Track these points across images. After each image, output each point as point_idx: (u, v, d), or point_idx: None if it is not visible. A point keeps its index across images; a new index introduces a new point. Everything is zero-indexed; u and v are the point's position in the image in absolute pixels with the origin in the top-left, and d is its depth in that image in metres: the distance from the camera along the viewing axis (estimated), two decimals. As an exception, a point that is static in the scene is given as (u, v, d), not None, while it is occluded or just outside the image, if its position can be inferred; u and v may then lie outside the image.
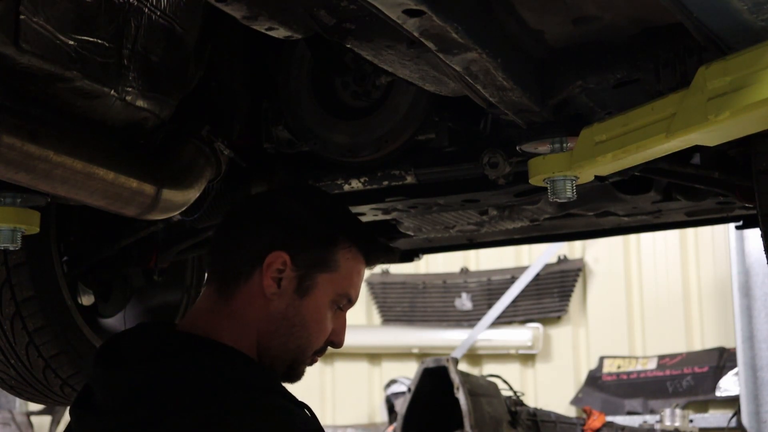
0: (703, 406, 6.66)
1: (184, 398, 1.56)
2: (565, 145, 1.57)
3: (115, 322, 2.53)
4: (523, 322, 7.40)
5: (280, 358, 1.73)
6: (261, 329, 1.72)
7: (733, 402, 6.30)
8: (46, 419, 7.64)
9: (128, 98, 1.68)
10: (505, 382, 4.71)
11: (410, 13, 1.22)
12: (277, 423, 1.57)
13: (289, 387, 1.71)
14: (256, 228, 1.74)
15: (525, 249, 7.45)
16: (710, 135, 1.34)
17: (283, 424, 1.58)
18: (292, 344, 1.74)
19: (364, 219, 2.39)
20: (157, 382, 1.60)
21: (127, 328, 1.77)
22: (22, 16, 1.40)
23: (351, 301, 1.79)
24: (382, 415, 7.20)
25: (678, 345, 6.93)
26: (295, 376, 1.75)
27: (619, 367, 7.00)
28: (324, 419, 7.77)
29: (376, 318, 7.75)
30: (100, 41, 1.58)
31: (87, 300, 2.45)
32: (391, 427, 6.11)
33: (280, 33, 1.57)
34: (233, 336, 1.69)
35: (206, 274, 1.82)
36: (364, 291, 7.80)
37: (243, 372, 1.65)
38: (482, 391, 4.38)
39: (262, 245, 1.70)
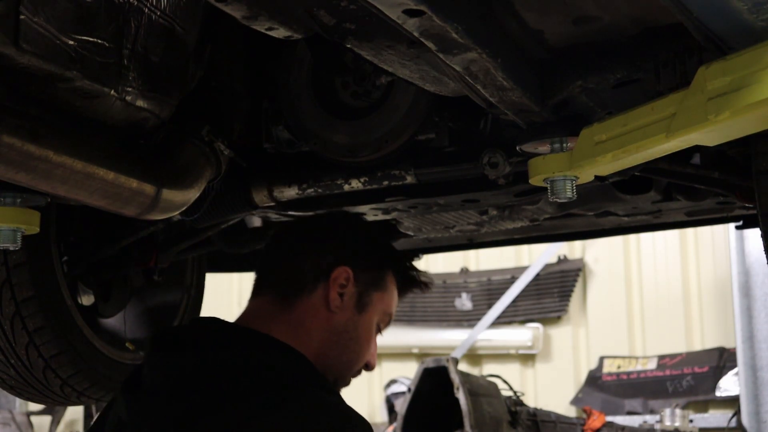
0: (703, 406, 6.66)
1: (242, 387, 1.63)
2: (565, 145, 1.57)
3: (115, 322, 2.54)
4: (523, 322, 7.40)
5: (331, 369, 1.83)
6: (322, 339, 1.82)
7: (733, 402, 6.30)
8: (46, 419, 7.64)
9: (128, 98, 1.68)
10: (505, 382, 4.70)
11: (410, 13, 1.22)
12: (335, 418, 1.65)
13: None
14: (320, 245, 1.89)
15: (525, 249, 7.45)
16: (710, 135, 1.34)
17: (341, 420, 1.66)
18: (345, 357, 1.87)
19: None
20: (215, 368, 1.67)
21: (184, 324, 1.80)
22: (22, 16, 1.40)
23: (388, 322, 1.95)
24: (382, 415, 7.21)
25: (678, 345, 6.93)
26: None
27: (619, 367, 7.00)
28: (324, 419, 7.77)
29: (376, 318, 7.74)
30: (100, 41, 1.58)
31: (87, 300, 2.45)
32: (391, 427, 6.11)
33: (280, 33, 1.57)
34: (292, 341, 1.77)
35: (255, 287, 1.94)
36: (364, 291, 7.80)
37: (301, 368, 1.73)
38: (482, 391, 4.38)
39: (327, 261, 1.84)
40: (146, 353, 1.80)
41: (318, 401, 1.67)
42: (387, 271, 1.94)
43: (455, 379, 4.24)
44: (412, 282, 1.99)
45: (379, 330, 1.93)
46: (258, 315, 1.84)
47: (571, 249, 7.33)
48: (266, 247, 2.00)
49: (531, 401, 6.61)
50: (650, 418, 6.12)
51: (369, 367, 1.95)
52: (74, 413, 7.83)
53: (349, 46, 1.53)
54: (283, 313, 1.82)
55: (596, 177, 1.60)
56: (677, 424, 5.50)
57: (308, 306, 1.83)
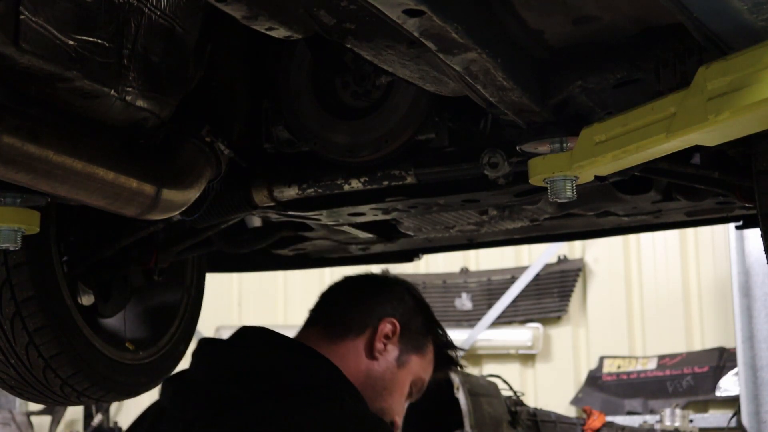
0: (703, 406, 6.66)
1: (280, 385, 1.74)
2: (565, 145, 1.57)
3: (115, 322, 2.53)
4: (523, 322, 7.40)
5: None
6: (358, 381, 1.94)
7: (733, 402, 6.30)
8: (46, 419, 7.64)
9: (128, 98, 1.68)
10: (505, 382, 4.70)
11: (410, 13, 1.22)
12: (369, 424, 1.79)
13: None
14: (375, 297, 2.08)
15: (525, 249, 7.45)
16: (710, 135, 1.34)
17: (374, 425, 1.80)
18: (377, 404, 1.97)
19: (364, 219, 2.39)
20: (258, 365, 1.82)
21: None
22: (22, 16, 1.40)
23: (420, 390, 2.08)
24: (382, 415, 7.21)
25: (678, 345, 6.93)
26: None
27: (619, 367, 7.00)
28: (324, 419, 7.77)
29: (376, 318, 7.74)
30: (100, 41, 1.58)
31: (87, 300, 2.45)
32: (391, 427, 6.10)
33: (280, 33, 1.57)
34: None
35: (310, 316, 2.11)
36: (364, 291, 7.80)
37: (339, 378, 1.87)
38: (482, 391, 4.37)
39: (378, 312, 2.03)
40: (194, 351, 1.93)
41: (355, 408, 1.80)
42: (429, 341, 2.09)
43: (455, 379, 4.24)
44: (449, 361, 2.17)
45: (410, 394, 2.05)
46: (305, 341, 2.00)
47: (571, 249, 7.33)
48: (331, 287, 2.18)
49: (531, 401, 6.61)
50: (650, 418, 6.12)
51: (394, 426, 2.04)
52: (74, 413, 7.83)
53: (349, 46, 1.53)
54: (328, 346, 1.96)
55: (596, 177, 1.60)
56: (677, 424, 5.50)
57: (352, 347, 1.98)
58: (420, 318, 2.11)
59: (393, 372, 1.99)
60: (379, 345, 1.99)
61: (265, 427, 1.68)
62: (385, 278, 2.25)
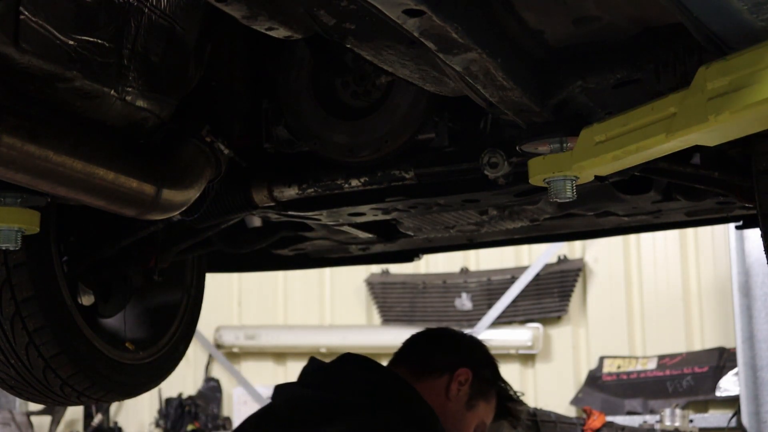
0: (703, 406, 6.66)
1: (383, 402, 2.10)
2: (565, 145, 1.57)
3: (115, 322, 2.53)
4: (523, 322, 7.40)
5: None
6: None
7: (733, 402, 6.30)
8: (46, 419, 7.65)
9: (128, 98, 1.68)
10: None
11: (410, 13, 1.22)
12: None
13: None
14: (454, 347, 2.48)
15: (525, 249, 7.44)
16: (710, 135, 1.34)
17: None
18: None
19: (364, 219, 2.39)
20: (354, 375, 2.17)
21: None
22: (22, 16, 1.40)
23: (482, 431, 2.43)
24: (382, 415, 7.20)
25: (678, 345, 6.93)
26: None
27: (619, 367, 7.00)
28: (324, 419, 7.77)
29: (376, 318, 7.74)
30: (100, 41, 1.58)
31: (87, 300, 2.45)
32: (391, 427, 6.10)
33: (280, 33, 1.57)
34: None
35: (394, 357, 2.49)
36: (363, 291, 7.81)
37: (428, 406, 2.22)
38: (482, 391, 4.37)
39: (455, 361, 2.39)
40: (304, 367, 2.31)
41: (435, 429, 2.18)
42: (494, 391, 2.46)
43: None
44: (508, 412, 2.51)
45: None
46: None
47: (571, 249, 7.33)
48: (408, 339, 2.55)
49: (531, 401, 6.61)
50: (650, 418, 6.12)
51: None
52: (74, 413, 7.83)
53: (349, 46, 1.53)
54: (413, 382, 2.26)
55: (596, 177, 1.60)
56: (677, 424, 5.51)
57: (431, 386, 2.31)
58: (489, 370, 2.47)
59: (462, 413, 2.35)
60: (454, 388, 2.34)
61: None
62: (461, 333, 2.65)
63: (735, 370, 6.24)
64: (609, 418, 5.24)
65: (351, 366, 2.28)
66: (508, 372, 6.30)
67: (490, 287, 7.49)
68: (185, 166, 1.90)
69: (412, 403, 2.20)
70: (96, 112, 1.66)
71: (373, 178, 2.13)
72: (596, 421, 4.97)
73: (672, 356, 6.87)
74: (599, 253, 7.26)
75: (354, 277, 7.71)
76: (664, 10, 1.29)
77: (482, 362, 2.47)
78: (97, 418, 7.59)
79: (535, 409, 4.79)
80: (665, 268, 7.08)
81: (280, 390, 2.31)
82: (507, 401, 2.53)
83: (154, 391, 6.56)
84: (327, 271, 7.81)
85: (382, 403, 2.12)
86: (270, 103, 2.19)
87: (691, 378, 6.65)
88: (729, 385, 6.40)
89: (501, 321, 7.38)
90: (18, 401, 7.47)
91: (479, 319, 7.37)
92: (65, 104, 1.60)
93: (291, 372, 7.89)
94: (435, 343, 2.53)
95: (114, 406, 7.84)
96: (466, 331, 8.00)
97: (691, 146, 1.41)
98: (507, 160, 1.96)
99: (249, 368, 8.03)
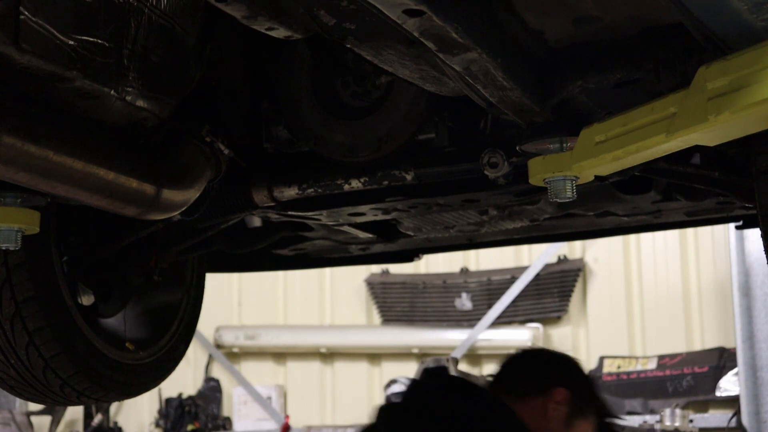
0: (703, 406, 6.66)
1: (467, 414, 2.07)
2: (565, 145, 1.57)
3: (115, 322, 2.53)
4: (523, 322, 7.40)
5: None
6: None
7: (733, 402, 6.29)
8: (46, 419, 7.65)
9: (128, 98, 1.68)
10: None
11: (410, 13, 1.22)
12: None
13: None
14: (549, 367, 2.53)
15: (525, 249, 7.44)
16: (710, 135, 1.34)
17: None
18: None
19: (364, 219, 2.39)
20: (457, 397, 2.09)
21: None
22: (22, 16, 1.40)
23: None
24: (382, 415, 7.19)
25: (678, 345, 6.93)
26: None
27: (619, 367, 7.00)
28: (324, 419, 7.78)
29: (376, 318, 7.74)
30: (100, 41, 1.58)
31: (87, 300, 2.45)
32: (391, 427, 6.09)
33: (280, 33, 1.57)
34: None
35: (494, 377, 2.53)
36: (363, 291, 7.81)
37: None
38: (482, 391, 4.37)
39: (551, 381, 2.42)
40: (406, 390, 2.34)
41: None
42: (593, 410, 2.49)
43: (455, 379, 4.24)
44: (607, 429, 2.53)
45: None
46: None
47: (571, 249, 7.33)
48: (506, 360, 2.58)
49: (531, 401, 6.60)
50: (650, 418, 6.13)
51: None
52: (74, 413, 7.83)
53: (349, 46, 1.53)
54: (510, 403, 2.22)
55: (596, 177, 1.60)
56: (677, 424, 5.51)
57: (528, 407, 2.33)
58: (586, 389, 2.51)
59: (561, 431, 2.38)
60: (551, 408, 2.37)
61: None
62: (556, 352, 2.71)
63: (735, 370, 6.24)
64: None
65: (453, 388, 2.33)
66: (508, 372, 6.29)
67: (490, 287, 7.49)
68: (185, 166, 1.90)
69: (505, 420, 2.23)
70: (96, 112, 1.66)
71: (373, 178, 2.13)
72: (596, 421, 4.96)
73: (672, 356, 6.87)
74: (599, 253, 7.26)
75: (354, 277, 7.71)
76: (664, 10, 1.29)
77: (578, 381, 2.51)
78: (97, 418, 7.59)
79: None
80: (665, 268, 7.08)
81: (384, 412, 2.30)
82: (605, 418, 2.56)
83: (154, 391, 6.56)
84: (327, 271, 7.81)
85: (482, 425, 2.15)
86: (270, 103, 2.19)
87: (691, 378, 6.65)
88: (729, 385, 6.40)
89: (501, 321, 7.38)
90: (18, 401, 7.47)
91: (479, 319, 7.37)
92: (65, 104, 1.60)
93: (291, 372, 7.90)
94: (530, 363, 2.59)
95: (114, 406, 7.84)
96: (467, 331, 7.97)
97: (691, 146, 1.41)
98: (507, 160, 1.96)
99: (249, 368, 8.03)
